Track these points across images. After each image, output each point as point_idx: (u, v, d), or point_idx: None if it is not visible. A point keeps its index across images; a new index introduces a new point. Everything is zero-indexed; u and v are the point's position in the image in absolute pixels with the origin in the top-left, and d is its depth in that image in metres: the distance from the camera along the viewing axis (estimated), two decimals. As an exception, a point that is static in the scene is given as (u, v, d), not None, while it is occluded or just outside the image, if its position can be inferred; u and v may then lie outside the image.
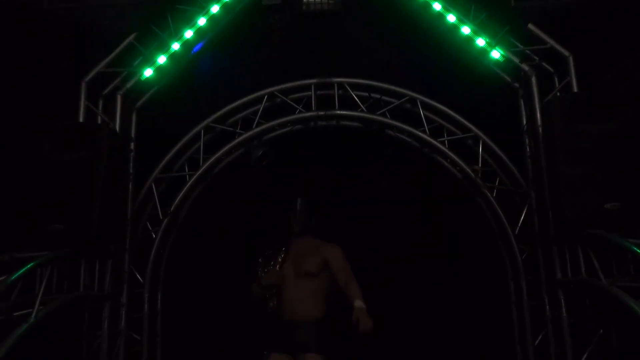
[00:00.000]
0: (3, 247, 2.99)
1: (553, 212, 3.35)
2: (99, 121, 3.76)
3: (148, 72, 3.89)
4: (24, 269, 2.65)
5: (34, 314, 2.66)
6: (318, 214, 3.41)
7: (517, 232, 3.93)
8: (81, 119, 3.71)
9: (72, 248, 3.11)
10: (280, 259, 3.22)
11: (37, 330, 2.82)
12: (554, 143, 3.12)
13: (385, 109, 4.27)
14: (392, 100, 4.31)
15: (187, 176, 4.22)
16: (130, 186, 3.89)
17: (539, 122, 3.61)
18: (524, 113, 3.90)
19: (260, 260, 3.31)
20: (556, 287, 3.45)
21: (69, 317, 3.58)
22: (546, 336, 3.65)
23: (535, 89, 3.69)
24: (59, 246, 3.10)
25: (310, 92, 4.28)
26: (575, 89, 3.57)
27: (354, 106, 4.28)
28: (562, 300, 3.41)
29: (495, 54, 3.81)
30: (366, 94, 4.31)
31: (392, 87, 4.22)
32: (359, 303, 2.83)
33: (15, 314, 2.59)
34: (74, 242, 3.16)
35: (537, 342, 3.77)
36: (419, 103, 4.20)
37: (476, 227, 4.41)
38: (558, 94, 3.65)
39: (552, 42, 3.69)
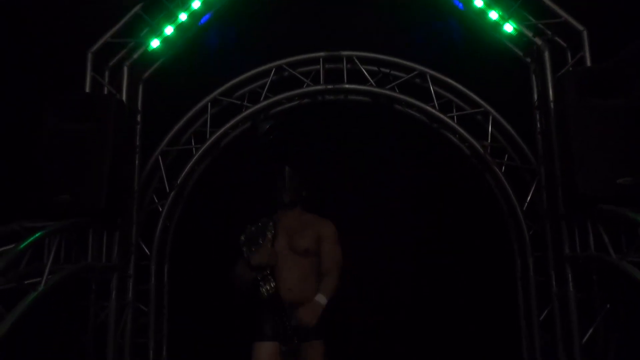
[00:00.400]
0: (12, 217, 2.99)
1: (563, 188, 3.33)
2: (106, 93, 3.73)
3: (155, 43, 3.84)
4: (33, 238, 2.64)
5: (43, 282, 2.67)
6: (309, 185, 3.11)
7: (525, 208, 3.91)
8: (87, 91, 3.68)
9: (81, 218, 3.10)
10: (270, 235, 2.85)
11: (44, 301, 2.83)
12: (567, 118, 3.08)
13: (394, 83, 4.22)
14: (401, 74, 4.26)
15: (194, 149, 4.20)
16: (137, 158, 3.88)
17: (551, 97, 3.57)
18: (535, 88, 3.85)
19: (242, 237, 2.91)
20: (564, 263, 3.45)
21: (76, 289, 3.61)
22: (552, 312, 3.66)
23: (548, 64, 3.63)
24: (67, 217, 3.09)
25: (318, 66, 4.22)
26: (588, 64, 3.52)
27: (362, 81, 4.23)
28: (570, 276, 3.41)
29: (508, 27, 3.74)
30: (375, 68, 4.25)
31: (402, 61, 4.16)
32: (321, 298, 2.69)
33: (25, 282, 2.59)
34: (82, 212, 3.15)
35: (542, 317, 3.78)
36: (428, 77, 4.15)
37: (483, 204, 4.39)
38: (570, 69, 3.60)
39: (566, 15, 3.63)
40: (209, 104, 4.19)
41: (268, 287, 2.75)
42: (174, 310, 4.19)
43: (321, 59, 4.20)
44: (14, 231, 2.85)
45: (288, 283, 2.78)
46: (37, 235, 2.72)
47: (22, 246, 2.62)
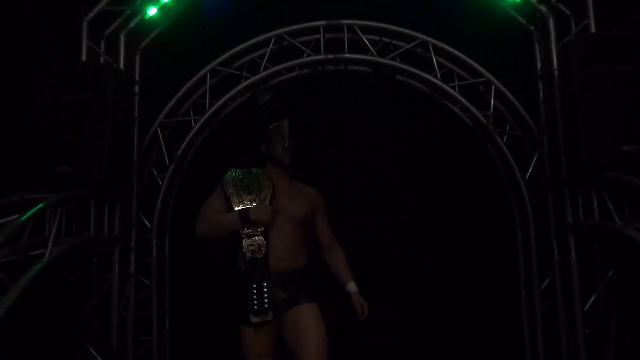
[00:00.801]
0: (11, 189, 2.94)
1: (567, 156, 3.32)
2: (102, 62, 3.65)
3: (152, 11, 3.75)
4: (35, 209, 2.60)
5: (47, 254, 2.63)
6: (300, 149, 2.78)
7: (527, 178, 3.90)
8: (83, 60, 3.60)
9: (82, 190, 3.06)
10: (269, 192, 2.57)
11: (47, 273, 2.80)
12: (572, 85, 3.05)
13: (395, 52, 4.16)
14: (402, 44, 4.19)
15: (193, 121, 4.13)
16: (135, 130, 3.82)
17: (555, 65, 3.53)
18: (538, 57, 3.81)
19: (230, 178, 2.64)
20: (566, 232, 3.46)
21: (76, 262, 3.58)
22: (553, 280, 3.69)
23: (552, 32, 3.59)
24: (67, 188, 3.05)
25: (319, 35, 4.14)
26: (593, 31, 3.48)
27: (363, 50, 4.16)
28: (572, 244, 3.43)
29: (513, -7, 3.68)
30: (377, 38, 4.18)
31: (404, 30, 4.09)
32: (354, 287, 2.71)
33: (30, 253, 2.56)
34: (82, 184, 3.11)
35: (543, 286, 3.81)
36: (430, 46, 4.08)
37: (483, 175, 4.39)
38: (574, 36, 3.55)
39: (571, -19, 3.57)
40: (208, 74, 4.11)
41: (255, 249, 2.47)
42: (176, 283, 4.19)
43: (321, 28, 4.12)
44: (14, 203, 2.80)
45: (277, 251, 2.50)
46: (39, 206, 2.68)
47: (24, 217, 2.57)
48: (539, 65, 3.81)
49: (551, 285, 3.75)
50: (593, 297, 3.41)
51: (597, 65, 3.06)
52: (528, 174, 3.91)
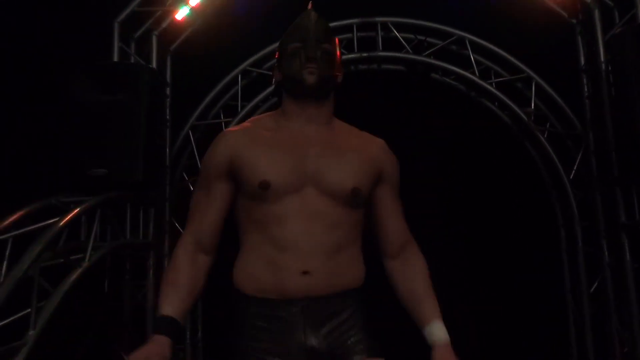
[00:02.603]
0: (47, 192, 2.86)
1: (619, 152, 3.18)
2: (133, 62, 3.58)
3: (183, 12, 3.68)
4: (76, 211, 2.51)
5: (87, 258, 2.54)
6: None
7: (572, 176, 3.76)
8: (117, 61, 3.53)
9: (119, 192, 2.97)
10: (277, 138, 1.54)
11: (84, 279, 2.71)
12: (628, 77, 2.92)
13: (430, 50, 4.05)
14: (437, 41, 4.09)
15: (224, 124, 4.05)
16: (167, 133, 3.74)
17: (602, 58, 3.40)
18: (582, 50, 3.69)
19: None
20: (619, 232, 3.30)
21: (109, 268, 3.49)
22: (603, 283, 3.53)
23: (598, 23, 3.46)
24: (103, 190, 2.96)
25: (351, 34, 4.05)
26: (640, 22, 3.35)
27: (397, 49, 4.06)
28: (626, 244, 3.28)
29: (555, -14, 3.57)
30: (411, 36, 4.08)
31: (439, 26, 3.99)
32: (442, 332, 1.52)
33: (71, 257, 2.47)
34: (118, 186, 3.02)
35: (592, 289, 3.65)
36: (467, 43, 3.97)
37: (521, 175, 4.25)
38: (622, 28, 3.43)
39: (616, -28, 3.45)
40: (239, 75, 4.03)
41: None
42: (208, 290, 4.07)
43: (354, 26, 4.03)
44: (51, 205, 2.72)
45: (303, 258, 1.45)
46: (78, 209, 2.59)
47: (64, 221, 2.49)
48: (582, 60, 3.68)
49: (600, 288, 3.59)
50: (650, 300, 3.25)
51: (652, 55, 2.92)
52: (573, 171, 3.76)
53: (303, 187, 1.49)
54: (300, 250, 1.46)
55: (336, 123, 1.64)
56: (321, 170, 1.50)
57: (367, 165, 1.56)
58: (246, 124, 1.65)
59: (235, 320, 1.55)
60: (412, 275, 1.61)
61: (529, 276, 4.22)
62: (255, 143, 1.53)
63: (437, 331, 1.53)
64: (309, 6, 1.66)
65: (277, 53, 1.64)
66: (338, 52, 1.62)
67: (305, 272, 1.46)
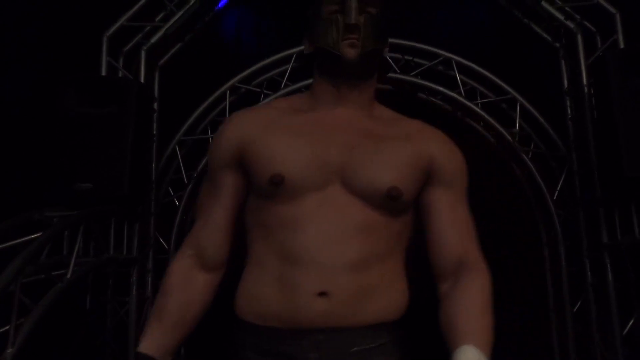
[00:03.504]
0: (30, 205, 2.82)
1: (602, 173, 3.23)
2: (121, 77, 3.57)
3: (172, 27, 3.69)
4: (59, 226, 2.47)
5: (69, 274, 2.50)
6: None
7: (555, 196, 3.81)
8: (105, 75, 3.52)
9: (104, 206, 2.94)
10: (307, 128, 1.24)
11: (65, 295, 2.66)
12: (610, 100, 2.98)
13: (418, 70, 4.10)
14: (424, 62, 4.14)
15: (210, 139, 4.03)
16: (154, 147, 3.72)
17: (585, 81, 3.48)
18: (565, 73, 3.76)
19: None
20: (602, 251, 3.35)
21: (91, 283, 3.44)
22: (586, 303, 3.56)
23: (581, 47, 3.54)
24: (88, 205, 2.93)
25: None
26: (622, 47, 3.44)
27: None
28: (608, 264, 3.31)
29: (539, 11, 3.65)
30: (399, 56, 4.13)
31: (426, 47, 4.04)
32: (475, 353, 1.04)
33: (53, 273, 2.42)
34: (103, 200, 2.99)
35: (575, 308, 3.68)
36: (454, 64, 4.03)
37: (507, 194, 4.30)
38: (600, 53, 3.51)
39: (597, -2, 3.54)
40: (228, 91, 4.03)
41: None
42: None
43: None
44: (34, 220, 2.68)
45: (322, 276, 1.12)
46: (61, 224, 2.55)
47: (46, 235, 2.45)
48: (565, 82, 3.76)
49: (584, 307, 3.62)
50: (632, 320, 3.28)
51: (634, 79, 2.99)
52: (557, 191, 3.81)
53: (327, 184, 1.16)
54: (317, 265, 1.11)
55: (377, 108, 1.33)
56: (351, 164, 1.17)
57: (413, 159, 1.21)
58: (264, 105, 1.38)
59: (228, 353, 1.23)
60: (457, 299, 1.15)
61: (512, 295, 4.24)
62: (272, 128, 1.21)
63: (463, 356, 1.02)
64: None
65: (307, 17, 1.32)
66: (386, 17, 1.32)
67: (322, 294, 1.11)
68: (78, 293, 3.32)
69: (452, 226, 1.24)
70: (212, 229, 1.25)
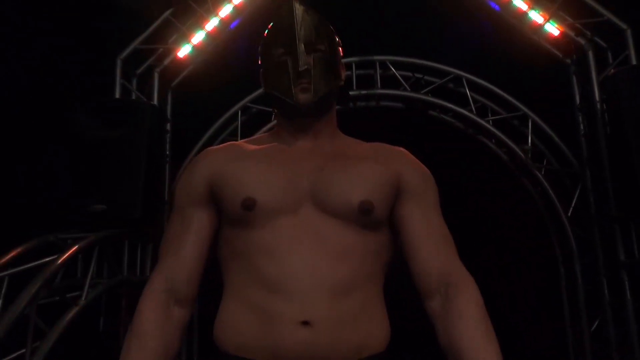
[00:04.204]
0: (45, 227, 2.83)
1: (617, 190, 3.20)
2: (134, 99, 3.62)
3: (185, 50, 3.74)
4: (74, 249, 2.48)
5: (84, 296, 2.51)
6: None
7: (569, 213, 3.77)
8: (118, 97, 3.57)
9: (118, 229, 2.95)
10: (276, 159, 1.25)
11: (80, 318, 2.67)
12: (623, 116, 2.96)
13: (428, 88, 4.11)
14: (435, 79, 4.15)
15: (223, 159, 4.06)
16: (167, 168, 3.75)
17: (597, 97, 3.46)
18: (576, 90, 3.75)
19: None
20: (619, 269, 3.30)
21: (105, 305, 3.44)
22: (604, 321, 3.50)
23: (592, 64, 3.53)
24: (101, 227, 2.94)
25: (350, 72, 4.11)
26: (634, 63, 3.42)
27: (395, 86, 4.12)
28: (627, 282, 3.26)
29: (549, 28, 3.66)
30: (409, 74, 4.15)
31: (437, 65, 4.06)
32: None
33: (67, 295, 2.43)
34: (117, 222, 3.00)
35: (593, 327, 3.62)
36: (464, 81, 4.04)
37: (521, 211, 4.26)
38: (612, 70, 3.50)
39: (609, 14, 3.54)
40: (240, 111, 4.06)
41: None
42: (204, 326, 4.01)
43: (353, 64, 4.09)
44: (49, 243, 2.69)
45: (303, 303, 1.10)
46: (76, 247, 2.57)
47: (62, 259, 2.46)
48: (577, 99, 3.74)
49: (602, 326, 3.56)
50: (652, 339, 3.22)
51: (647, 96, 2.98)
52: (571, 208, 3.77)
53: (299, 205, 1.16)
54: (297, 291, 1.09)
55: (340, 136, 1.35)
56: (321, 183, 1.18)
57: (381, 175, 1.21)
58: (230, 144, 1.34)
59: None
60: (453, 320, 1.12)
61: (529, 314, 4.18)
62: (241, 156, 1.24)
63: None
64: None
65: (258, 58, 1.34)
66: (338, 50, 1.32)
67: (305, 323, 1.08)
68: (91, 314, 3.31)
69: (428, 239, 1.22)
70: (185, 263, 1.21)
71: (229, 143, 1.35)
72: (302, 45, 1.23)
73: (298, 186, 1.18)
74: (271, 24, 1.31)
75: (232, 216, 1.18)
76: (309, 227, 1.15)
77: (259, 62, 1.35)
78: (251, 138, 1.42)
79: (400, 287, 1.32)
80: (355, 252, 1.16)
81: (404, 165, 1.29)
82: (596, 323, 3.60)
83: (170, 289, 1.20)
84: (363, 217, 1.16)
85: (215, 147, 1.36)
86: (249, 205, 1.14)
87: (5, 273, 2.24)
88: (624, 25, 3.51)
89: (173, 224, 1.27)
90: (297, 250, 1.12)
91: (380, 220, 1.20)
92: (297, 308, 1.08)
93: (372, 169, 1.22)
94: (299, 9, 1.26)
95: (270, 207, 1.15)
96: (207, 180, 1.23)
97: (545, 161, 4.03)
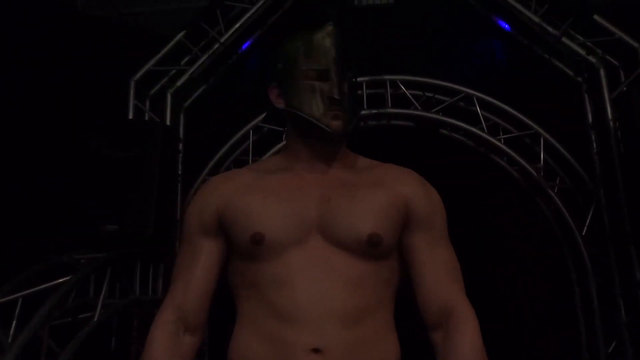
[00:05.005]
0: (58, 246, 2.86)
1: (631, 209, 3.16)
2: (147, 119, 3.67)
3: (197, 71, 3.79)
4: (86, 270, 2.50)
5: (96, 317, 2.51)
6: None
7: (584, 232, 3.72)
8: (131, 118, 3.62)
9: (130, 249, 2.97)
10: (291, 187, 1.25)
11: (92, 338, 2.67)
12: (637, 135, 2.94)
13: (439, 107, 4.12)
14: (445, 98, 4.16)
15: (234, 178, 4.08)
16: (179, 188, 3.77)
17: (610, 116, 3.45)
18: (588, 108, 3.74)
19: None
20: (635, 289, 3.24)
21: (117, 325, 3.44)
22: (621, 343, 3.43)
23: (604, 82, 3.52)
24: (114, 247, 2.96)
25: (361, 91, 4.13)
26: (646, 81, 3.41)
27: (405, 106, 4.13)
28: (644, 303, 3.21)
29: (560, 47, 3.66)
30: (419, 93, 4.15)
31: (447, 84, 4.06)
32: None
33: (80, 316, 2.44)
34: (129, 242, 3.03)
35: (610, 349, 3.55)
36: (475, 100, 4.03)
37: (534, 230, 4.22)
38: (625, 88, 3.49)
39: (620, 33, 3.54)
40: (251, 131, 4.09)
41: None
42: (216, 346, 3.99)
43: (364, 84, 4.10)
44: (62, 263, 2.72)
45: (314, 331, 1.12)
46: (89, 267, 2.58)
47: (74, 281, 2.47)
48: (589, 117, 3.73)
49: (619, 348, 3.49)
50: (671, 362, 3.15)
51: (661, 113, 2.96)
52: (585, 227, 3.73)
53: (308, 237, 1.17)
54: (308, 321, 1.11)
55: (350, 157, 1.34)
56: (329, 215, 1.18)
57: (390, 203, 1.21)
58: (239, 170, 1.38)
59: None
60: (450, 355, 1.15)
61: (544, 335, 4.11)
62: (247, 190, 1.24)
63: None
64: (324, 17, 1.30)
65: (277, 68, 1.27)
66: (357, 74, 1.34)
67: (315, 350, 1.10)
68: (103, 334, 3.32)
69: (432, 271, 1.23)
70: (195, 292, 1.25)
71: (237, 170, 1.38)
72: (339, 72, 1.24)
73: (306, 218, 1.19)
74: (300, 38, 1.28)
75: (241, 250, 1.21)
76: (318, 258, 1.17)
77: (276, 70, 1.29)
78: (261, 161, 1.44)
79: (412, 312, 1.31)
80: (366, 281, 1.18)
81: (412, 189, 1.29)
82: (613, 345, 3.53)
83: (180, 317, 1.24)
84: (372, 249, 1.18)
85: (223, 175, 1.38)
86: (257, 240, 1.17)
87: (19, 294, 2.25)
88: (635, 44, 3.51)
89: (183, 252, 1.30)
90: (307, 281, 1.15)
91: (389, 250, 1.22)
92: (309, 337, 1.11)
93: (380, 197, 1.23)
94: (337, 33, 1.26)
95: (279, 240, 1.17)
96: (215, 212, 1.25)
97: (558, 179, 3.99)
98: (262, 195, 1.22)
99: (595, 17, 3.58)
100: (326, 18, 1.31)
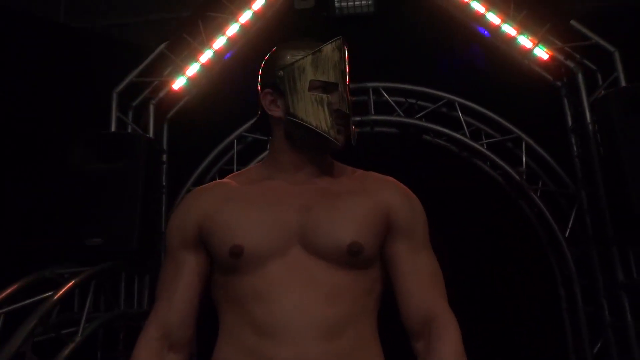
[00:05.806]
0: (41, 261, 2.82)
1: (613, 212, 3.21)
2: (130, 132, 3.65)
3: (180, 82, 3.79)
4: (70, 284, 2.47)
5: (80, 332, 2.48)
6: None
7: (567, 234, 3.77)
8: (113, 130, 3.59)
9: (114, 262, 2.94)
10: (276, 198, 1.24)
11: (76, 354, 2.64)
12: (615, 137, 2.99)
13: (422, 113, 4.15)
14: (428, 104, 4.20)
15: (219, 188, 4.06)
16: (163, 199, 3.75)
17: (589, 119, 3.50)
18: (568, 112, 3.80)
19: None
20: (618, 291, 3.29)
21: (102, 339, 3.40)
22: (606, 344, 3.47)
23: (582, 86, 3.58)
24: (98, 260, 2.93)
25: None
26: (623, 85, 3.47)
27: (389, 112, 4.16)
28: (627, 304, 3.25)
29: (538, 52, 3.72)
30: (402, 99, 4.19)
31: (430, 90, 4.10)
32: None
33: (63, 331, 2.41)
34: (114, 255, 3.00)
35: (595, 349, 3.58)
36: (457, 105, 4.08)
37: (518, 233, 4.26)
38: (603, 91, 3.55)
39: (596, 37, 3.60)
40: (235, 140, 4.08)
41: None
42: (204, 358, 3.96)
43: (347, 91, 4.13)
44: (45, 278, 2.68)
45: (295, 345, 1.11)
46: (72, 283, 2.55)
47: (57, 295, 2.45)
48: (569, 120, 3.79)
49: (604, 348, 3.52)
50: (655, 361, 3.19)
51: (637, 116, 3.01)
52: (568, 230, 3.78)
53: (288, 248, 1.16)
54: (287, 334, 1.09)
55: (335, 166, 1.33)
56: (309, 225, 1.17)
57: (371, 212, 1.20)
58: (225, 179, 1.35)
59: None
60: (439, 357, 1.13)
61: (530, 337, 4.14)
62: (227, 202, 1.22)
63: None
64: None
65: (275, 75, 1.26)
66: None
67: None
68: (88, 348, 3.27)
69: (414, 279, 1.22)
70: (179, 307, 1.23)
71: (217, 182, 1.34)
72: (345, 86, 1.25)
73: (286, 228, 1.18)
74: (307, 47, 1.26)
75: (221, 263, 1.20)
76: (298, 270, 1.15)
77: (275, 77, 1.28)
78: (242, 171, 1.41)
79: (396, 321, 1.31)
80: (347, 292, 1.16)
81: (393, 197, 1.27)
82: (598, 345, 3.56)
83: (165, 334, 1.22)
84: (352, 258, 1.16)
85: (203, 188, 1.35)
86: (236, 252, 1.15)
87: (2, 311, 2.22)
88: (611, 48, 3.57)
89: (166, 267, 1.29)
90: (287, 294, 1.13)
91: (370, 259, 1.21)
92: (289, 351, 1.09)
93: (361, 206, 1.21)
94: (345, 48, 1.27)
95: (258, 253, 1.15)
96: (196, 225, 1.24)
97: (540, 183, 4.04)
98: (241, 207, 1.21)
99: (573, 22, 3.64)
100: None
